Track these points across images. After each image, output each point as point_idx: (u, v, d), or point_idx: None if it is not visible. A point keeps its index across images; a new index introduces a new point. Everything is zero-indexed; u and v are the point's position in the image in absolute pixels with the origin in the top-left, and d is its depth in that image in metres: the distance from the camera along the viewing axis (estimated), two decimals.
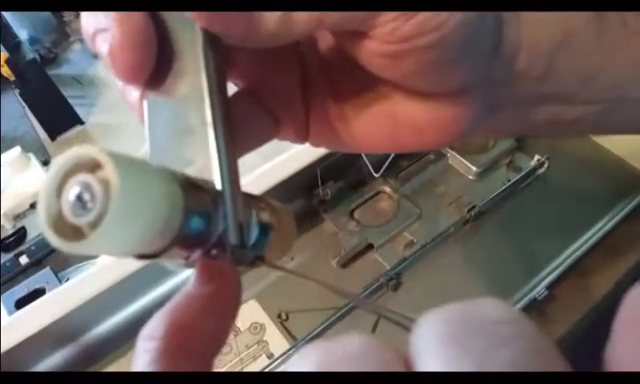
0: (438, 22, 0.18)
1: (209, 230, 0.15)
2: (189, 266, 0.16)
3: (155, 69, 0.18)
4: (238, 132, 0.21)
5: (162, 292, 0.46)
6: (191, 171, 0.16)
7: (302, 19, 0.17)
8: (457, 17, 0.18)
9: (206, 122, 0.17)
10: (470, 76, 0.20)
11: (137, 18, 0.17)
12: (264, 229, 0.18)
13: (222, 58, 0.18)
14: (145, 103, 0.18)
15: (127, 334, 0.44)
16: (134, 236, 0.13)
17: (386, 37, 0.18)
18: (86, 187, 0.13)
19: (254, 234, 0.18)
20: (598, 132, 0.48)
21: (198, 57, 0.17)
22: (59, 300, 0.40)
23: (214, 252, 0.16)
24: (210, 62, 0.17)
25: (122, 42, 0.17)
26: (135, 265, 0.42)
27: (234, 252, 0.16)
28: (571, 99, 0.23)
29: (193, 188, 0.15)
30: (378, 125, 0.22)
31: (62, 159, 0.13)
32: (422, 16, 0.17)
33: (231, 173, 0.17)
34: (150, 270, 0.42)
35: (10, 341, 0.39)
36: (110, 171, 0.13)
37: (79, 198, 0.13)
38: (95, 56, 0.96)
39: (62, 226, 0.14)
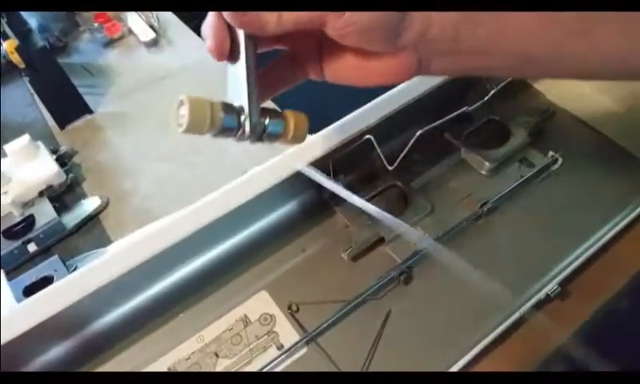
0: (356, 18, 0.30)
1: (237, 125, 0.32)
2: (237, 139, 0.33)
3: (230, 49, 0.32)
4: (280, 75, 0.36)
5: (166, 285, 0.46)
6: (237, 100, 0.32)
7: (288, 18, 0.30)
8: (364, 15, 0.30)
9: (242, 76, 0.32)
10: (388, 43, 0.31)
11: (219, 24, 0.32)
12: (274, 128, 0.33)
13: (253, 39, 0.32)
14: (227, 68, 0.33)
15: (134, 326, 0.44)
16: (203, 127, 0.31)
17: (331, 27, 0.30)
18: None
19: (267, 130, 0.33)
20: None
21: (241, 40, 0.32)
22: (66, 290, 0.40)
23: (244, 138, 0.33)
24: (247, 42, 0.32)
25: (210, 39, 0.32)
26: (141, 256, 0.42)
27: (251, 140, 0.33)
28: (485, 52, 0.33)
29: (229, 107, 0.32)
30: (353, 69, 0.34)
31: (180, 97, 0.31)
32: (346, 15, 0.30)
33: (252, 99, 0.32)
34: (156, 262, 0.42)
35: (15, 331, 0.39)
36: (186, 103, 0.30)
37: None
38: (105, 45, 0.95)
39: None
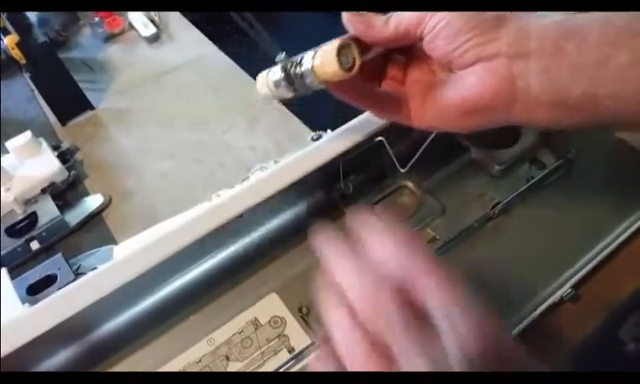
0: (440, 18, 0.32)
1: None
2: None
3: None
4: (383, 101, 0.39)
5: (175, 288, 0.45)
6: None
7: (393, 21, 0.34)
8: (450, 14, 0.31)
9: None
10: (477, 46, 0.31)
11: None
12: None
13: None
14: None
15: (143, 329, 0.43)
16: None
17: (427, 28, 0.33)
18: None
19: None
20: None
21: None
22: (76, 294, 0.40)
23: None
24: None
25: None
26: (151, 259, 0.41)
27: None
28: (593, 76, 0.29)
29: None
30: (453, 104, 0.34)
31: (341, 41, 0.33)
32: (439, 13, 0.32)
33: None
34: (166, 265, 0.42)
35: (25, 336, 0.38)
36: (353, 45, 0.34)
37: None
38: (105, 40, 0.94)
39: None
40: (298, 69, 0.34)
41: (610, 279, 0.45)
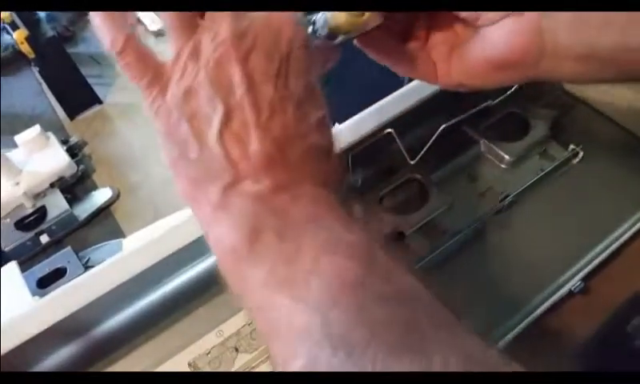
0: None
1: None
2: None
3: None
4: (408, 59, 0.36)
5: (184, 280, 0.45)
6: None
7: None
8: None
9: None
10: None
11: None
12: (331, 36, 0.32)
13: None
14: None
15: (153, 320, 0.43)
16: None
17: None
18: None
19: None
20: None
21: None
22: (85, 287, 0.40)
23: None
24: None
25: None
26: (160, 252, 0.41)
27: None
28: (623, 27, 0.28)
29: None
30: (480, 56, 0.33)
31: None
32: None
33: None
34: (175, 257, 0.42)
35: (35, 328, 0.38)
36: None
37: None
38: None
39: None
40: (312, 24, 0.34)
41: (619, 273, 0.45)
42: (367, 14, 0.32)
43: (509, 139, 0.51)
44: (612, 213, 0.47)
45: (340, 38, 0.33)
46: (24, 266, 0.62)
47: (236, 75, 0.25)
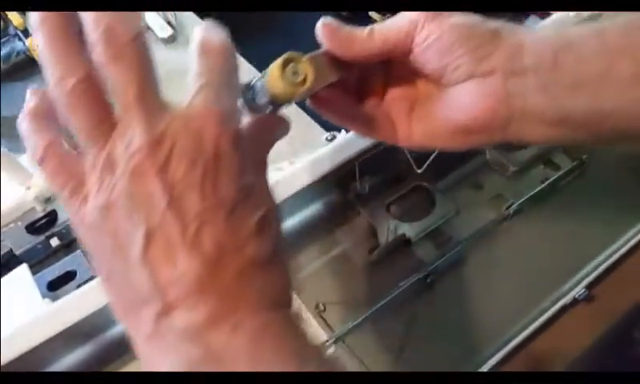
0: (438, 26, 0.29)
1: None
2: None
3: None
4: (369, 123, 0.34)
5: None
6: None
7: (379, 34, 0.30)
8: (450, 20, 0.29)
9: None
10: (472, 61, 0.29)
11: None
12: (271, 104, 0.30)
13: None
14: None
15: None
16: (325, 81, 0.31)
17: (417, 40, 0.30)
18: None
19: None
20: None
21: None
22: (95, 292, 0.41)
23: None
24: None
25: None
26: None
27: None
28: (595, 91, 0.28)
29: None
30: (441, 118, 0.32)
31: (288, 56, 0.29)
32: (430, 24, 0.30)
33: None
34: None
35: (47, 332, 0.39)
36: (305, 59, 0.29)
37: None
38: None
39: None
40: (250, 91, 0.31)
41: (623, 280, 0.45)
42: (309, 81, 0.29)
43: (514, 148, 0.52)
44: (616, 221, 0.48)
45: (283, 107, 0.30)
46: (35, 269, 0.63)
47: (155, 188, 0.22)
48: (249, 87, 0.30)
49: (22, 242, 0.67)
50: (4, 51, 0.86)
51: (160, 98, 0.24)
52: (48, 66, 0.24)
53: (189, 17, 0.99)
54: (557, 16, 0.54)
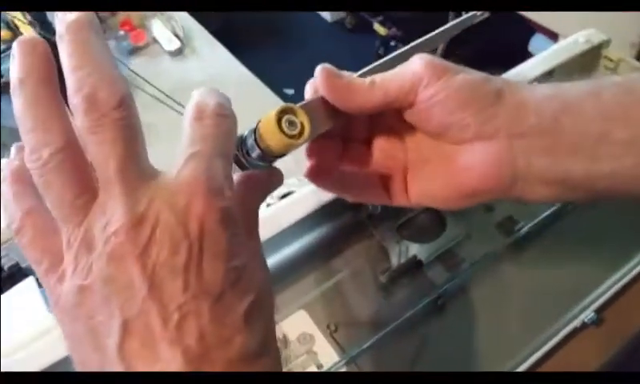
0: (444, 85, 0.29)
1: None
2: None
3: None
4: (363, 185, 0.34)
5: None
6: None
7: (380, 87, 0.29)
8: (456, 80, 0.29)
9: None
10: (478, 122, 0.28)
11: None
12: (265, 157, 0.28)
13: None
14: None
15: None
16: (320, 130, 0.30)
17: (420, 97, 0.29)
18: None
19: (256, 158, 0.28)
20: None
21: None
22: None
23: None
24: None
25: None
26: None
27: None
28: (592, 154, 0.28)
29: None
30: (441, 180, 0.31)
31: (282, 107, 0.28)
32: (436, 83, 0.29)
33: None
34: None
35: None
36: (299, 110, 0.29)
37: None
38: (130, 53, 0.96)
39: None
40: (241, 145, 0.28)
41: (632, 304, 0.46)
42: (306, 133, 0.28)
43: None
44: (626, 245, 0.48)
45: (275, 160, 0.29)
46: (39, 282, 0.62)
47: (135, 273, 0.20)
48: (239, 140, 0.28)
49: None
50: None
51: (144, 167, 0.22)
52: (23, 132, 0.21)
53: (196, 30, 0.99)
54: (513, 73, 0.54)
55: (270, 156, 0.28)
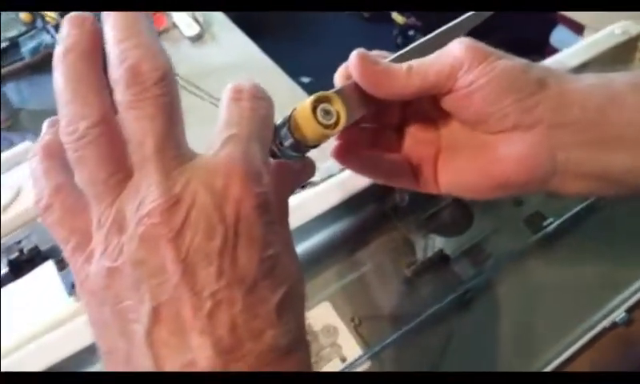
0: (485, 71, 0.28)
1: None
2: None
3: None
4: (391, 170, 0.33)
5: None
6: None
7: (417, 72, 0.28)
8: (499, 66, 0.28)
9: None
10: (519, 111, 0.27)
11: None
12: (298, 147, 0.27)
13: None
14: None
15: None
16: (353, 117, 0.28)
17: (460, 83, 0.28)
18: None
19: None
20: None
21: None
22: None
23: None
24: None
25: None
26: None
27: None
28: (635, 148, 0.27)
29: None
30: (472, 169, 0.30)
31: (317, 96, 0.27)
32: (476, 69, 0.28)
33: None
34: None
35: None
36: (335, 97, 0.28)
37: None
38: None
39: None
40: (275, 135, 0.27)
41: None
42: (342, 121, 0.27)
43: None
44: None
45: (309, 150, 0.28)
46: (59, 266, 0.62)
47: (168, 257, 0.19)
48: (276, 127, 0.27)
49: (48, 239, 0.67)
50: (32, 44, 0.86)
51: (182, 147, 0.21)
52: (61, 104, 0.21)
53: (216, 15, 0.98)
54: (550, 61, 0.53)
55: (303, 146, 0.27)
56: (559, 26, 1.33)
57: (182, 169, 0.20)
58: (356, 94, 0.29)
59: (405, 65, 0.29)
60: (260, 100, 0.23)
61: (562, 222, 0.48)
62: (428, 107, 0.31)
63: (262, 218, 0.20)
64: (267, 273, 0.20)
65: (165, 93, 0.20)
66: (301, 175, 0.28)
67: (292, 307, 0.21)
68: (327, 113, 0.26)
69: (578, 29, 1.14)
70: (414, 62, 0.29)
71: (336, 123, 0.27)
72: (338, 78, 0.30)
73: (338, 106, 0.27)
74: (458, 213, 0.49)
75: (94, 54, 0.21)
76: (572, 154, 0.28)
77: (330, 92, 0.27)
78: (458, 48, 0.28)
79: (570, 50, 0.53)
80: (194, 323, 0.19)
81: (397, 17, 1.74)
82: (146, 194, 0.20)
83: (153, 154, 0.20)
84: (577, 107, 0.27)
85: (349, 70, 0.29)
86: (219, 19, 0.98)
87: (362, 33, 1.87)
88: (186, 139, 0.22)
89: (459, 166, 0.30)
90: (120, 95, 0.20)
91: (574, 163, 0.28)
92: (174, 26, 0.96)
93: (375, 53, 0.30)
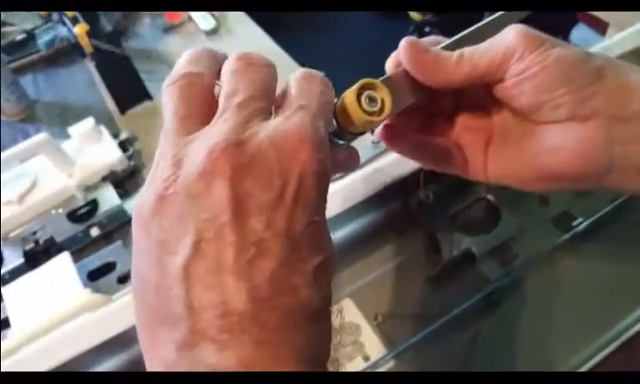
0: (538, 59, 0.27)
1: None
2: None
3: None
4: (441, 156, 0.32)
5: None
6: None
7: (469, 60, 0.28)
8: (554, 53, 0.27)
9: None
10: (574, 102, 0.26)
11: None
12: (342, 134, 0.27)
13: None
14: None
15: None
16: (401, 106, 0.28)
17: (511, 71, 0.27)
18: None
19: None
20: None
21: None
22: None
23: None
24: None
25: None
26: None
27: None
28: None
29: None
30: (523, 160, 0.29)
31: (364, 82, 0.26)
32: (529, 57, 0.27)
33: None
34: None
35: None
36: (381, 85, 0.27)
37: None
38: (165, 31, 0.95)
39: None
40: None
41: None
42: (387, 109, 0.26)
43: None
44: None
45: (353, 139, 0.28)
46: (74, 257, 0.62)
47: (222, 195, 0.19)
48: None
49: (63, 230, 0.67)
50: (48, 37, 0.85)
51: (262, 110, 0.22)
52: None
53: None
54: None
55: (347, 133, 0.26)
56: (580, 24, 1.30)
57: (256, 123, 0.21)
58: (405, 81, 0.28)
59: (456, 53, 0.28)
60: (329, 87, 0.25)
61: (592, 222, 0.46)
62: (481, 94, 0.30)
63: (319, 184, 0.21)
64: (311, 236, 0.21)
65: (266, 70, 0.24)
66: (345, 165, 0.29)
67: (325, 277, 0.22)
68: (372, 100, 0.26)
69: (601, 26, 1.12)
70: (466, 50, 0.28)
71: (380, 110, 0.26)
72: (390, 65, 0.30)
73: (383, 93, 0.26)
74: (485, 211, 0.48)
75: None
76: (631, 148, 0.26)
77: (375, 79, 0.27)
78: (511, 35, 0.27)
79: (596, 49, 0.52)
80: (233, 267, 0.19)
81: (414, 14, 1.72)
82: (217, 132, 0.21)
83: (236, 105, 0.22)
84: (637, 100, 0.26)
85: (399, 57, 0.28)
86: (234, 13, 0.97)
87: (377, 27, 1.86)
88: (271, 109, 0.23)
89: (510, 154, 0.30)
90: (231, 64, 0.24)
91: (633, 159, 0.27)
92: (190, 19, 0.95)
93: (429, 39, 0.30)
